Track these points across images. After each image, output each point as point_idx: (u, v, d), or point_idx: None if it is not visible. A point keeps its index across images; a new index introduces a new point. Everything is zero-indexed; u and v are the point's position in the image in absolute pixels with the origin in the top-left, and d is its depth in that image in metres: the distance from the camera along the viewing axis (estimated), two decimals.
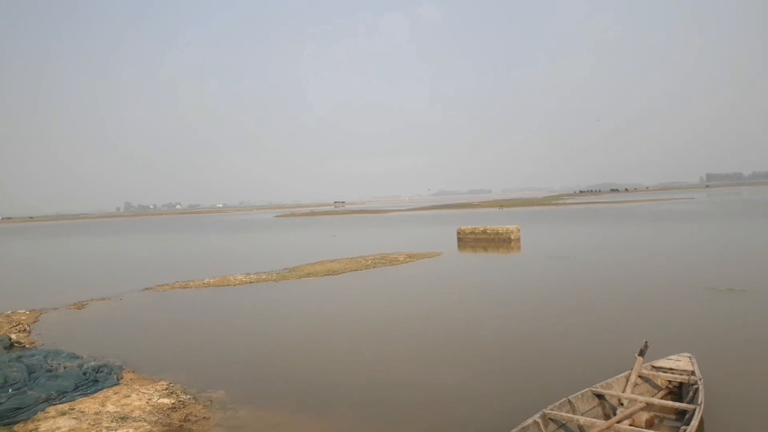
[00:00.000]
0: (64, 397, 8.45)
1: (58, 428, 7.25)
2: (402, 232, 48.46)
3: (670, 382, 7.57)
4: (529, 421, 6.14)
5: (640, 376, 7.64)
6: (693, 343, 9.51)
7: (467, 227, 35.84)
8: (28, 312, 16.39)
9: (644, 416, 6.44)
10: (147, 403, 8.21)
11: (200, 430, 7.25)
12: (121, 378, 9.53)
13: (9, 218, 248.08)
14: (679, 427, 6.15)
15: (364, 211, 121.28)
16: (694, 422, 5.93)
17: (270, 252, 36.19)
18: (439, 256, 26.70)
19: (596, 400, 7.07)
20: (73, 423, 7.41)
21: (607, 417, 6.81)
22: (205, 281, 21.18)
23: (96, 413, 7.80)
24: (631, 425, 6.26)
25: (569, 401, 6.73)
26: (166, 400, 8.29)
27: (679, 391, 7.46)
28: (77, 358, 10.54)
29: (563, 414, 6.36)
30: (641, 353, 7.74)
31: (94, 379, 9.25)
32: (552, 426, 6.33)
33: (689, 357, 8.01)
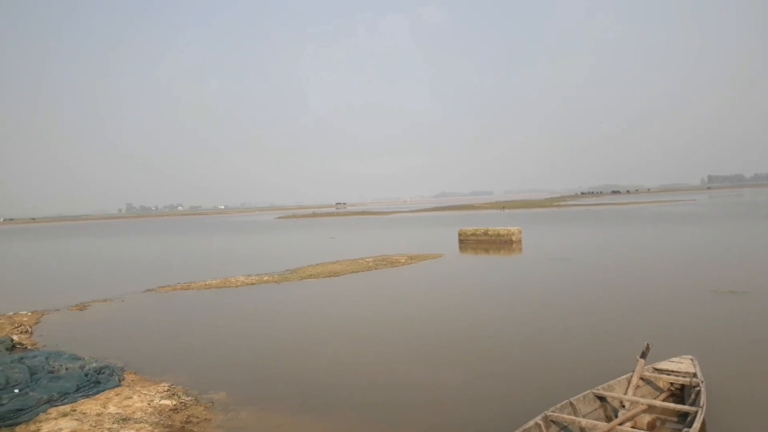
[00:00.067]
0: (66, 398, 8.46)
1: (60, 429, 7.26)
2: (403, 234, 48.44)
3: (672, 384, 7.56)
4: (531, 423, 6.14)
5: (641, 379, 7.63)
6: (695, 345, 9.50)
7: (469, 229, 35.84)
8: (30, 313, 16.42)
9: (646, 418, 6.43)
10: (149, 404, 8.21)
11: None
12: (123, 379, 9.53)
13: (11, 219, 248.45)
14: (681, 430, 6.13)
15: (366, 212, 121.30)
16: (696, 424, 5.92)
17: (271, 253, 36.19)
18: (441, 258, 26.68)
19: (598, 402, 7.06)
20: (74, 424, 7.42)
21: (608, 419, 6.80)
22: (207, 283, 21.19)
23: (98, 415, 7.80)
24: (633, 427, 6.26)
25: (571, 403, 6.72)
26: (167, 402, 8.29)
27: (681, 393, 7.44)
28: (79, 359, 10.55)
29: (565, 416, 6.35)
30: (643, 355, 7.73)
31: (95, 380, 9.26)
32: (554, 428, 6.32)
33: (691, 359, 7.99)
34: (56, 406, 8.15)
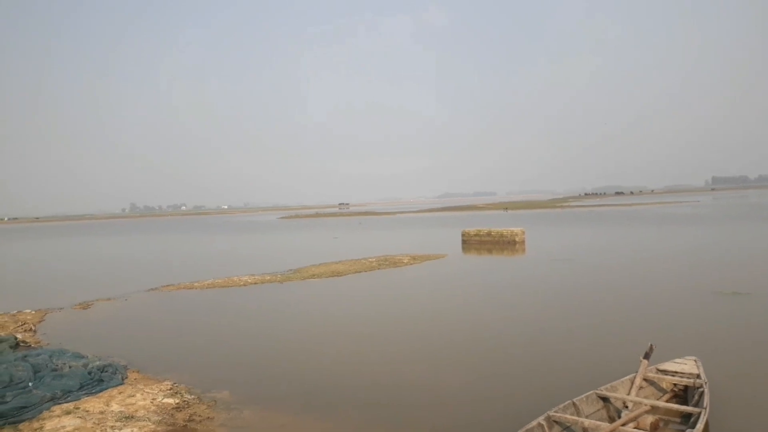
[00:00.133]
0: (69, 396, 8.48)
1: (63, 427, 7.28)
2: (406, 234, 48.44)
3: (675, 385, 7.54)
4: (534, 423, 6.13)
5: (645, 379, 7.61)
6: (698, 346, 9.47)
7: (472, 229, 35.81)
8: (33, 312, 16.47)
9: (649, 419, 6.41)
10: (151, 402, 8.23)
11: (204, 430, 7.26)
12: (126, 378, 9.55)
13: (15, 219, 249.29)
14: (684, 431, 6.12)
15: (369, 212, 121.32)
16: (700, 425, 5.90)
17: (274, 253, 36.24)
18: (444, 258, 26.67)
19: (601, 403, 7.04)
20: (78, 422, 7.44)
21: (611, 420, 6.79)
22: (210, 282, 21.22)
23: (101, 412, 7.82)
24: (636, 428, 6.24)
25: (574, 404, 6.71)
26: (170, 400, 8.30)
27: (684, 394, 7.42)
28: (82, 357, 10.58)
29: (568, 416, 6.34)
30: (646, 356, 7.71)
31: (98, 378, 9.28)
32: (556, 428, 6.31)
33: (694, 360, 7.97)
34: (60, 403, 8.18)
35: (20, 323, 14.74)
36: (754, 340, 10.53)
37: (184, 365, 10.46)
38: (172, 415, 7.77)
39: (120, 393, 8.70)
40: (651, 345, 7.90)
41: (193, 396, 8.53)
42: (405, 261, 25.47)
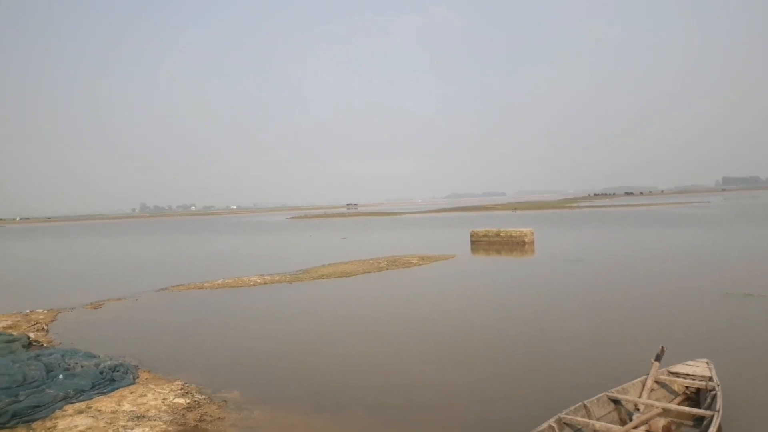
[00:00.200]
0: (82, 395, 8.55)
1: (76, 426, 7.34)
2: (415, 235, 48.42)
3: (687, 387, 7.49)
4: (545, 425, 6.11)
5: (656, 382, 7.56)
6: (710, 348, 9.41)
7: (480, 230, 35.74)
8: (45, 311, 16.61)
9: (661, 422, 6.37)
10: (162, 402, 8.28)
11: (215, 430, 7.30)
12: (137, 377, 9.62)
13: (27, 219, 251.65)
14: None
15: (377, 213, 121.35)
16: (712, 429, 5.86)
17: (284, 253, 36.33)
18: (453, 259, 26.63)
19: (612, 405, 7.01)
20: (90, 421, 7.50)
21: (623, 422, 6.75)
22: (220, 282, 21.32)
23: (113, 412, 7.88)
24: (647, 431, 6.21)
25: (585, 406, 6.68)
26: (181, 400, 8.35)
27: (696, 397, 7.37)
28: (94, 357, 10.66)
29: (579, 419, 6.31)
30: (658, 358, 7.66)
31: (110, 378, 9.35)
32: (567, 430, 6.29)
33: (707, 362, 7.91)
34: (72, 403, 8.25)
35: (33, 323, 14.87)
36: (767, 342, 10.44)
37: (194, 365, 10.51)
38: (183, 415, 7.81)
39: (131, 393, 8.76)
40: (662, 347, 7.85)
41: (203, 396, 8.58)
42: (414, 261, 25.46)
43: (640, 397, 7.18)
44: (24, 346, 11.95)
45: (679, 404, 7.13)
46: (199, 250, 42.90)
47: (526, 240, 32.44)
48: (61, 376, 9.24)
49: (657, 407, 6.69)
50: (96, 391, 8.75)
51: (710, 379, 7.33)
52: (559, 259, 24.61)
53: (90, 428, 7.28)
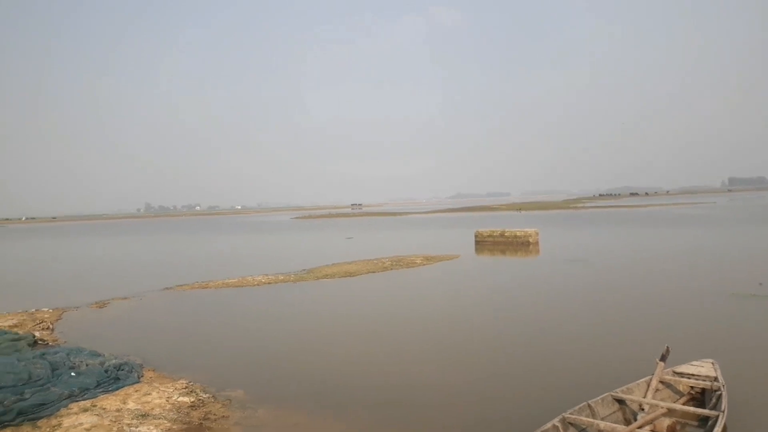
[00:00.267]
0: (87, 394, 8.58)
1: (81, 424, 7.37)
2: (419, 235, 48.40)
3: (692, 388, 7.46)
4: (549, 425, 6.10)
5: (661, 382, 7.54)
6: (715, 348, 9.36)
7: (485, 230, 35.69)
8: (51, 310, 16.68)
9: (666, 422, 6.35)
10: (167, 401, 8.30)
11: (219, 429, 7.32)
12: (142, 376, 9.65)
13: (33, 218, 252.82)
14: None
15: (381, 213, 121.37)
16: (717, 429, 5.84)
17: (288, 253, 36.37)
18: (457, 259, 26.61)
19: (616, 405, 6.99)
20: (95, 419, 7.53)
21: (627, 422, 6.73)
22: (225, 281, 21.36)
23: (117, 410, 7.91)
24: (652, 431, 6.19)
25: (589, 405, 6.66)
26: (185, 399, 8.37)
27: (701, 397, 7.34)
28: (99, 356, 10.69)
29: (583, 418, 6.30)
30: (662, 358, 7.64)
31: (115, 376, 9.39)
32: (572, 430, 6.27)
33: (712, 363, 7.88)
34: (77, 401, 8.28)
35: (38, 321, 14.94)
36: None
37: (198, 364, 10.54)
38: (187, 413, 7.83)
39: (136, 391, 8.79)
40: (667, 347, 7.82)
41: (208, 395, 8.60)
42: (418, 261, 25.45)
43: (644, 397, 7.16)
44: (29, 345, 12.00)
45: (684, 404, 7.11)
46: (203, 250, 43.00)
47: (530, 240, 32.38)
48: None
49: (662, 407, 6.66)
50: (101, 390, 8.78)
51: (715, 379, 7.30)
52: (563, 259, 24.56)
53: (95, 426, 7.30)
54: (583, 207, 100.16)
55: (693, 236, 33.81)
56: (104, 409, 7.97)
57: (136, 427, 7.27)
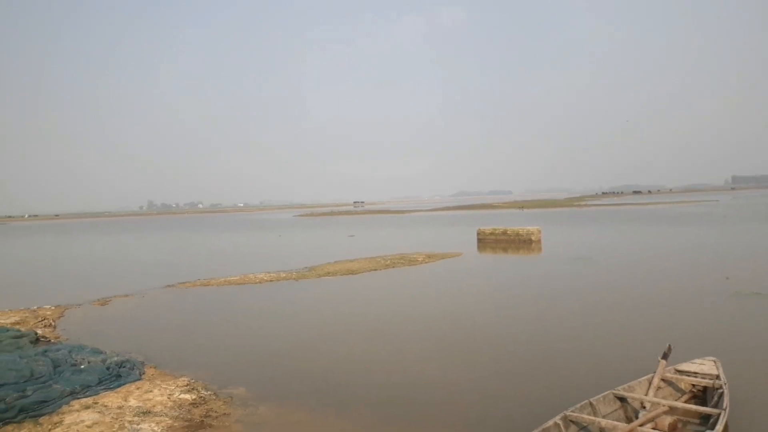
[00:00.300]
0: (88, 391, 8.60)
1: (82, 421, 7.38)
2: (422, 233, 48.39)
3: (694, 386, 7.44)
4: (550, 422, 6.08)
5: (663, 380, 7.52)
6: (717, 347, 9.33)
7: (487, 228, 35.66)
8: (53, 307, 16.72)
9: (667, 420, 6.33)
10: (168, 398, 8.31)
11: (221, 426, 7.32)
12: (144, 373, 9.66)
13: (35, 216, 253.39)
14: None
15: (384, 211, 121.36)
16: (719, 427, 5.82)
17: (290, 250, 36.38)
18: (459, 257, 26.60)
19: (618, 403, 6.98)
20: (96, 416, 7.54)
21: (629, 420, 6.72)
22: (227, 279, 21.39)
23: (119, 407, 7.92)
24: (653, 429, 6.17)
25: (590, 403, 6.65)
26: (187, 396, 8.38)
27: (703, 395, 7.32)
28: (101, 353, 10.70)
29: (584, 416, 6.29)
30: (664, 356, 7.62)
31: (117, 374, 9.40)
32: (573, 428, 6.26)
33: (714, 361, 7.86)
34: (79, 398, 8.29)
35: (40, 319, 14.97)
36: None
37: (200, 362, 10.55)
38: (189, 410, 7.84)
39: (137, 388, 8.80)
40: (669, 345, 7.81)
41: (209, 392, 8.61)
42: (420, 259, 25.44)
43: (646, 395, 7.14)
44: (31, 342, 12.03)
45: (685, 402, 7.09)
46: (205, 248, 43.05)
47: (533, 238, 32.35)
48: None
49: (663, 405, 6.65)
50: (102, 387, 8.80)
51: (717, 377, 7.28)
52: (566, 257, 24.53)
53: (96, 423, 7.32)
54: (585, 205, 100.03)
55: (695, 234, 33.74)
56: (106, 406, 7.98)
57: (138, 424, 7.28)
